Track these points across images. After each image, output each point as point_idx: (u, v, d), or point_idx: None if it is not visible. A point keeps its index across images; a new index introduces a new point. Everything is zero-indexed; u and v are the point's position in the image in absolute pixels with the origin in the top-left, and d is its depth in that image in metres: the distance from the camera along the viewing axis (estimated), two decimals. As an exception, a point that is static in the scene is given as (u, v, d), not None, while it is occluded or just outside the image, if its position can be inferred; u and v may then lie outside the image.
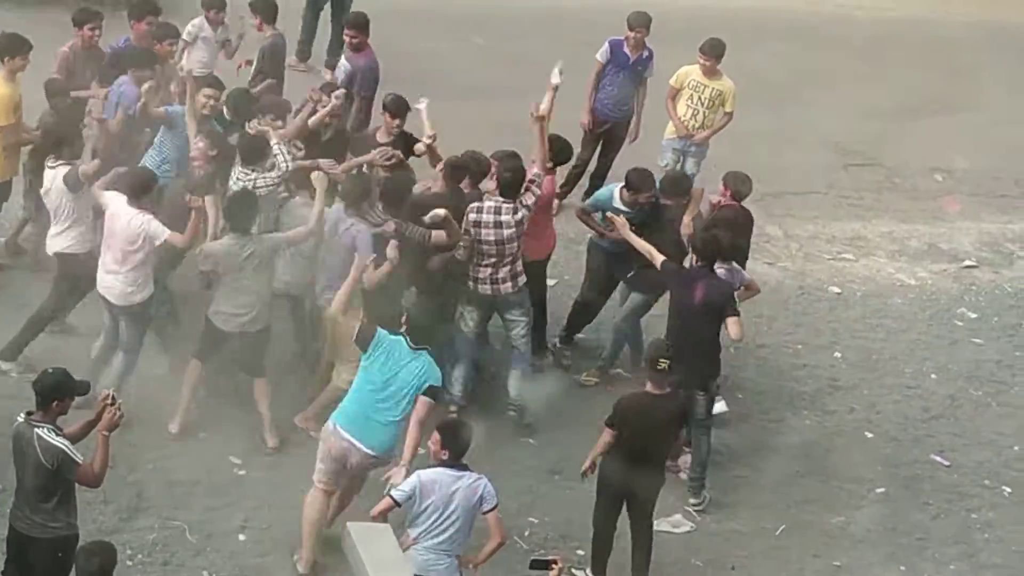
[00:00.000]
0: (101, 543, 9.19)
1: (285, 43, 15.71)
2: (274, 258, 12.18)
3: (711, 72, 15.78)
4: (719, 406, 12.82)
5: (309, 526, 11.07)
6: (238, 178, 12.59)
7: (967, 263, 17.23)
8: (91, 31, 14.00)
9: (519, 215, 12.51)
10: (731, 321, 12.18)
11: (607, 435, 11.21)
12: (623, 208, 13.23)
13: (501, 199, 12.53)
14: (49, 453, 9.31)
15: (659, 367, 11.10)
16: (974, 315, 16.22)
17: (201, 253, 12.16)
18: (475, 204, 12.57)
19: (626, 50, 15.89)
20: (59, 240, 12.53)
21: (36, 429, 9.36)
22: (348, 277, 11.78)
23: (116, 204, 12.01)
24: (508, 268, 12.66)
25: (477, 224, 12.49)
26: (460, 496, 10.11)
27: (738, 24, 20.33)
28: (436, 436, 10.34)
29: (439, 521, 10.13)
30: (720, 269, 12.52)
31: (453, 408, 12.68)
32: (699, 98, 15.81)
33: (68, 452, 9.35)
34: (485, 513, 10.19)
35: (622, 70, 15.93)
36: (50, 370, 9.61)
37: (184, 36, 14.80)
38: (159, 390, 12.31)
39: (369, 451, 10.84)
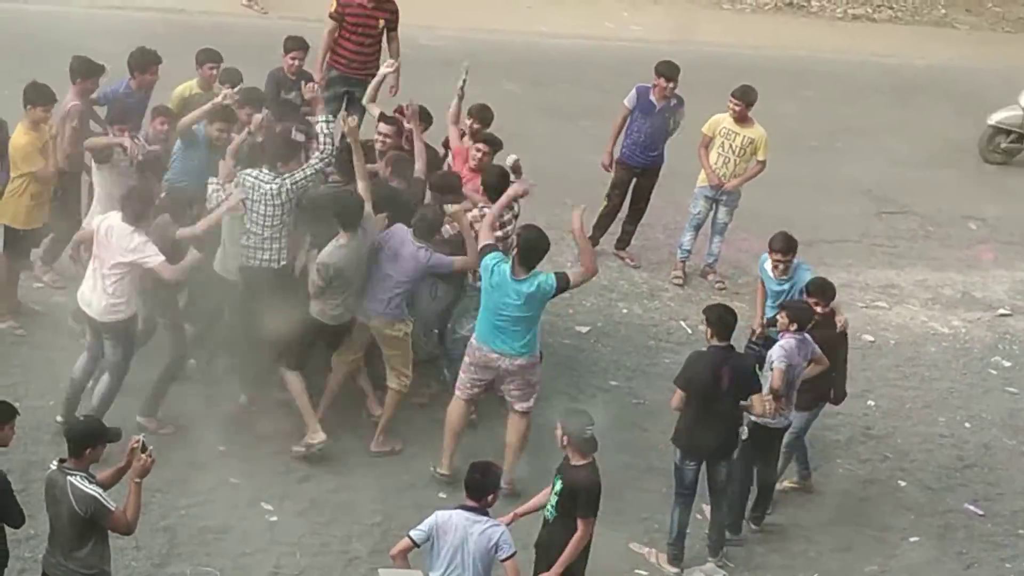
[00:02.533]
0: None
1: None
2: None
3: (742, 119, 15.78)
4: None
5: (451, 433, 12.35)
6: (257, 178, 12.20)
7: (1001, 311, 17.15)
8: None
9: None
10: (756, 398, 12.03)
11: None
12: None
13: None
14: (82, 501, 9.33)
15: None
16: (1008, 364, 16.13)
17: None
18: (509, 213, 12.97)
19: (651, 98, 15.88)
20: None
21: (69, 477, 9.38)
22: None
23: (112, 219, 11.81)
24: None
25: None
26: (473, 541, 10.05)
27: (770, 72, 20.36)
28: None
29: (455, 564, 10.07)
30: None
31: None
32: (730, 146, 15.80)
33: (101, 500, 9.37)
34: (503, 561, 10.13)
35: (648, 117, 15.93)
36: (82, 417, 9.64)
37: None
38: (191, 433, 12.39)
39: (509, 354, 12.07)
